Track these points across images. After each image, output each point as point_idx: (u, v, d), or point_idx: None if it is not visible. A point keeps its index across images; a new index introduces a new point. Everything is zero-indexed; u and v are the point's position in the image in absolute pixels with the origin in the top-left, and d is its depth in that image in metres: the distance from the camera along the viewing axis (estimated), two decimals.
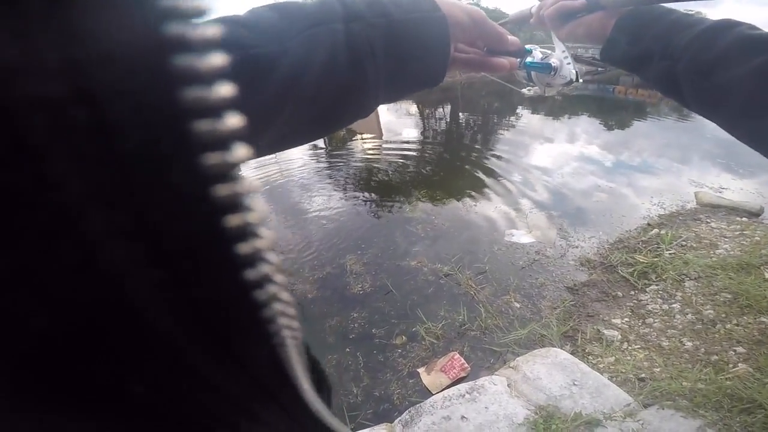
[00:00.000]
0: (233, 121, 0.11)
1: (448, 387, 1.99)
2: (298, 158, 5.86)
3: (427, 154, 6.36)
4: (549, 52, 0.67)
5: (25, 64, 0.08)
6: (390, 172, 5.38)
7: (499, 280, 2.98)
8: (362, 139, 7.31)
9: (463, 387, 1.91)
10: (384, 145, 6.64)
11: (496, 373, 2.03)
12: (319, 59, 0.34)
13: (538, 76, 0.67)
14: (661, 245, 3.18)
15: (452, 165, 5.79)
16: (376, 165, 5.72)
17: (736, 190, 4.41)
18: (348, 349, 2.46)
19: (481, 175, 5.14)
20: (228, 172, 0.11)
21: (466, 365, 2.20)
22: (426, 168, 5.62)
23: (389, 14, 0.38)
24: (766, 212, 3.78)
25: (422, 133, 7.86)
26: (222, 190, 0.11)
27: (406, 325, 2.57)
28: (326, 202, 4.53)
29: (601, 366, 2.08)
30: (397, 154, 6.12)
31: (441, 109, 10.40)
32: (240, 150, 0.11)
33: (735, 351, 2.05)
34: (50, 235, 0.09)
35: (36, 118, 0.08)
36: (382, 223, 3.98)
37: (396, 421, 1.82)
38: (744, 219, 3.66)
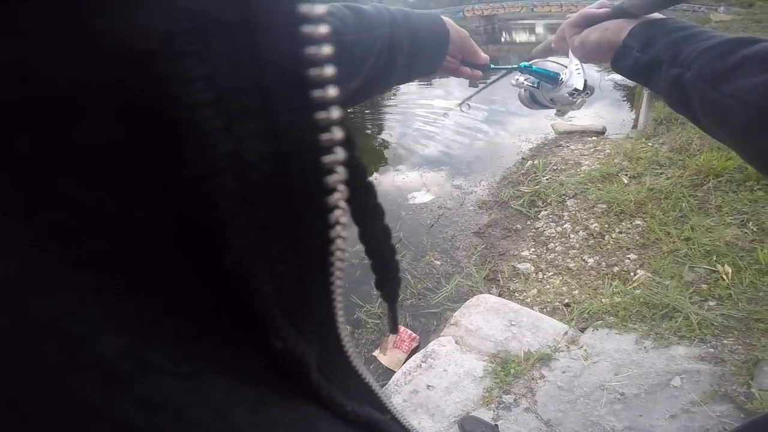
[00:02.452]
0: (330, 71, 0.12)
1: (407, 360, 1.85)
2: None
3: None
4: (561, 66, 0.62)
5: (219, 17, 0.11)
6: None
7: (415, 243, 2.87)
8: None
9: (417, 357, 1.78)
10: None
11: (441, 334, 1.92)
12: (375, 50, 0.44)
13: (546, 90, 0.62)
14: (537, 174, 3.30)
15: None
16: None
17: (582, 117, 4.78)
18: None
19: (376, 148, 4.98)
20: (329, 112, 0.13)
21: (414, 334, 2.07)
22: None
23: (415, 26, 0.49)
24: (608, 130, 4.15)
25: None
26: (324, 119, 0.13)
27: (346, 314, 2.31)
28: None
29: (528, 300, 2.07)
30: None
31: None
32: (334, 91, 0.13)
33: (629, 259, 2.15)
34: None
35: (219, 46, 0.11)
36: None
37: None
38: (594, 138, 3.97)
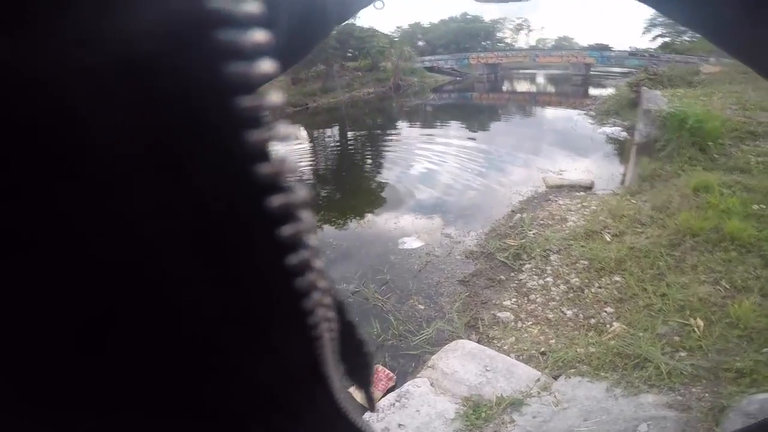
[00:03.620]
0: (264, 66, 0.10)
1: (381, 398, 1.89)
2: None
3: (321, 176, 6.24)
4: None
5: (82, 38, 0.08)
6: None
7: (401, 287, 2.97)
8: None
9: (391, 396, 1.83)
10: None
11: (418, 375, 1.98)
12: None
13: None
14: (524, 227, 3.44)
15: (348, 183, 5.76)
16: None
17: (572, 170, 5.03)
18: None
19: (374, 189, 5.21)
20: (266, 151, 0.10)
21: (391, 374, 2.13)
22: (323, 190, 5.48)
23: None
24: (596, 185, 4.35)
25: (314, 155, 7.72)
26: (262, 163, 0.10)
27: None
28: None
29: (505, 347, 2.13)
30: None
31: (329, 130, 10.33)
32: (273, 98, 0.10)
33: (606, 312, 2.25)
34: (94, 198, 0.09)
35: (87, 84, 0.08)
36: None
37: None
38: (581, 193, 4.15)
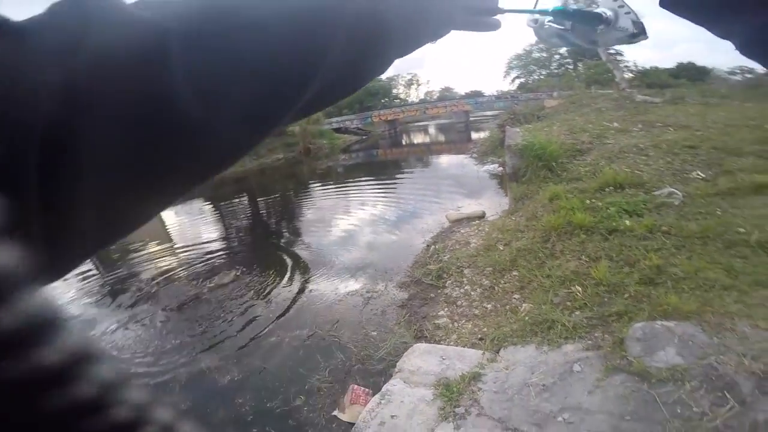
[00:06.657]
0: None
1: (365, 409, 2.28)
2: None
3: (236, 252, 6.30)
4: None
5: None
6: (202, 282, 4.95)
7: (350, 322, 3.47)
8: (149, 251, 6.53)
9: (375, 398, 2.25)
10: (184, 254, 6.28)
11: (391, 378, 2.42)
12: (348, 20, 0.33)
13: (580, 33, 0.53)
14: (439, 254, 4.25)
15: (266, 254, 5.92)
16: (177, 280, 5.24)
17: (467, 205, 6.13)
18: (255, 431, 2.47)
19: (297, 252, 5.62)
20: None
21: (368, 389, 2.54)
22: (240, 268, 5.27)
23: None
24: (487, 214, 5.41)
25: (225, 230, 7.73)
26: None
27: (297, 387, 2.75)
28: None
29: (451, 343, 2.72)
30: (201, 262, 5.76)
31: (238, 201, 10.18)
32: None
33: (515, 298, 3.01)
34: None
35: None
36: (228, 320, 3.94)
37: None
38: (477, 221, 5.14)
